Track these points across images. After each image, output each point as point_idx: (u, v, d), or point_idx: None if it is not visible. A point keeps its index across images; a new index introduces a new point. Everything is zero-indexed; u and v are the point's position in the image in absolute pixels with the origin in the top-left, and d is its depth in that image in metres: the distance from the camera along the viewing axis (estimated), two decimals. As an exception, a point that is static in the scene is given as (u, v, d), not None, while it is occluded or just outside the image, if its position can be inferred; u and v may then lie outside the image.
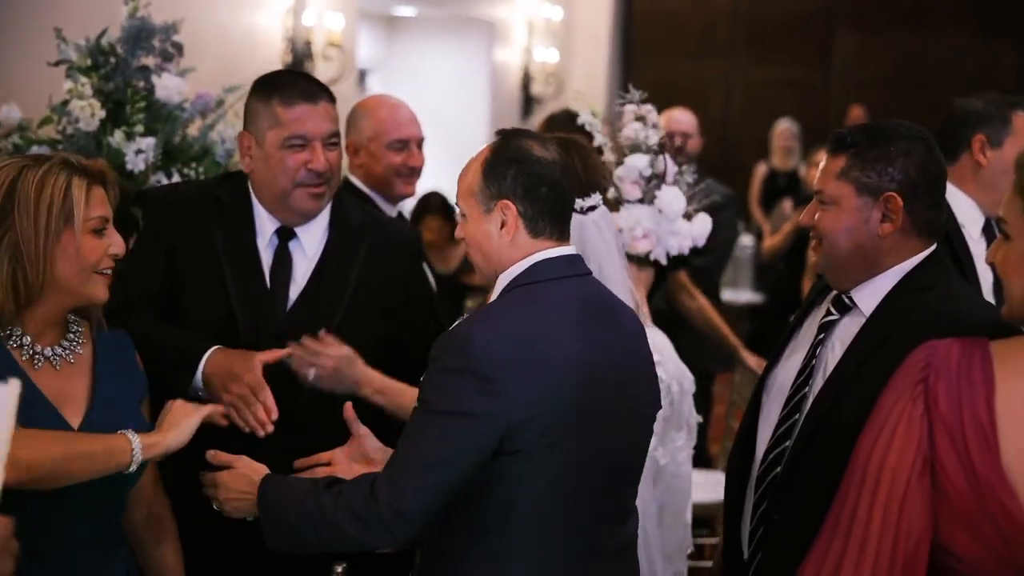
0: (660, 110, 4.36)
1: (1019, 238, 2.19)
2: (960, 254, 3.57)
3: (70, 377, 2.79)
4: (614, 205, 3.71)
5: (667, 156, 3.91)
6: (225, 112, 4.70)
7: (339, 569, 3.05)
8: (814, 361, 2.89)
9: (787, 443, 2.86)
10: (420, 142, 4.44)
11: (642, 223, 3.79)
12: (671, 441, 3.69)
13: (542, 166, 2.68)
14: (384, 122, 4.36)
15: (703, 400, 5.08)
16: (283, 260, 3.38)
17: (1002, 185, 2.73)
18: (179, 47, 4.52)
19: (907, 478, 2.11)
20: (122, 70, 4.42)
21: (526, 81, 10.71)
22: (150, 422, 2.92)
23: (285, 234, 3.38)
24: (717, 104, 12.27)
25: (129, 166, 4.29)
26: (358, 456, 2.99)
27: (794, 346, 3.04)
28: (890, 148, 2.80)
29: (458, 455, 2.53)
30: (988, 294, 3.52)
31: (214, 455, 2.84)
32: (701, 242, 4.01)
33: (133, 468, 2.66)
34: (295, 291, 3.38)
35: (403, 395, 3.28)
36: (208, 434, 2.91)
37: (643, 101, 3.98)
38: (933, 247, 2.86)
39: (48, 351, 2.77)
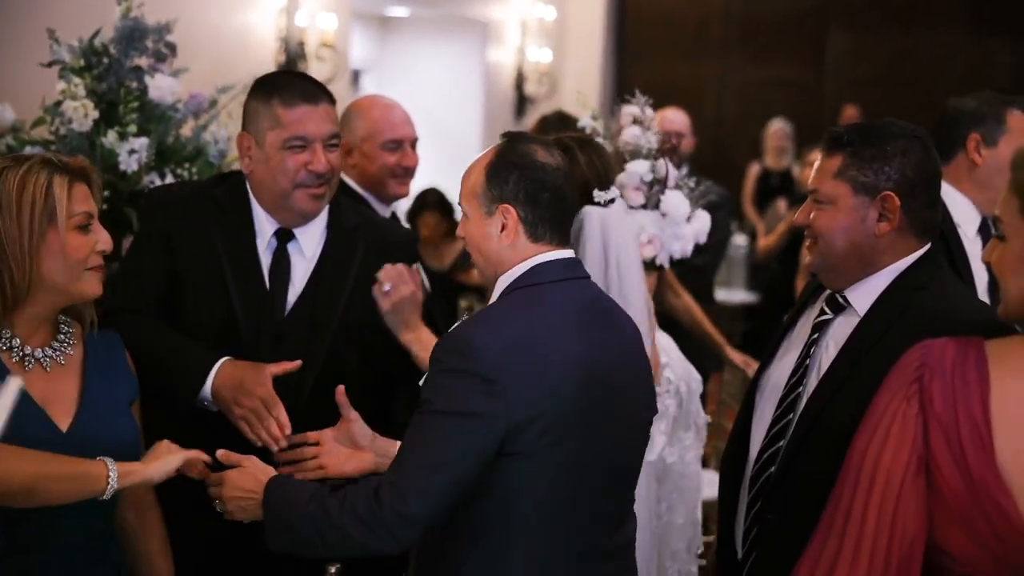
0: (654, 110, 4.37)
1: (1015, 237, 2.19)
2: (955, 254, 3.57)
3: (60, 379, 2.79)
4: None
5: (668, 160, 3.93)
6: (218, 112, 4.70)
7: (332, 570, 3.04)
8: (808, 360, 2.89)
9: (781, 443, 2.86)
10: (414, 142, 4.43)
11: (647, 228, 3.80)
12: (679, 441, 3.71)
13: (545, 172, 2.70)
14: (378, 122, 4.35)
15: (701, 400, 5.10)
16: (282, 262, 3.37)
17: (998, 184, 2.73)
18: (172, 47, 4.52)
19: (902, 478, 2.11)
20: (115, 70, 4.41)
21: (519, 81, 10.70)
22: (140, 424, 2.92)
23: (284, 236, 3.38)
24: (711, 104, 12.26)
25: (122, 166, 4.28)
26: (345, 440, 3.02)
27: (787, 345, 3.04)
28: (887, 147, 2.80)
29: (461, 456, 2.53)
30: (983, 294, 3.52)
31: (224, 455, 2.85)
32: (703, 239, 4.04)
33: (107, 496, 2.65)
34: (294, 293, 3.38)
35: None
36: (207, 435, 2.91)
37: (644, 103, 4.00)
38: (928, 246, 2.86)
39: (38, 353, 2.76)
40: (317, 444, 3.02)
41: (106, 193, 4.30)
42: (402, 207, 5.38)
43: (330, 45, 8.10)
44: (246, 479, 2.78)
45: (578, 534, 2.67)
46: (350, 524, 2.55)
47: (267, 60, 7.65)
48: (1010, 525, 2.04)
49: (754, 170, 10.55)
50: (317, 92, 3.34)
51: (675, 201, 3.89)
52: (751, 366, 5.74)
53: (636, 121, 4.00)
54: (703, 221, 4.02)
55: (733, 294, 10.08)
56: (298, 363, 3.16)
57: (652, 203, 3.86)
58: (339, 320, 3.37)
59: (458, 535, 2.64)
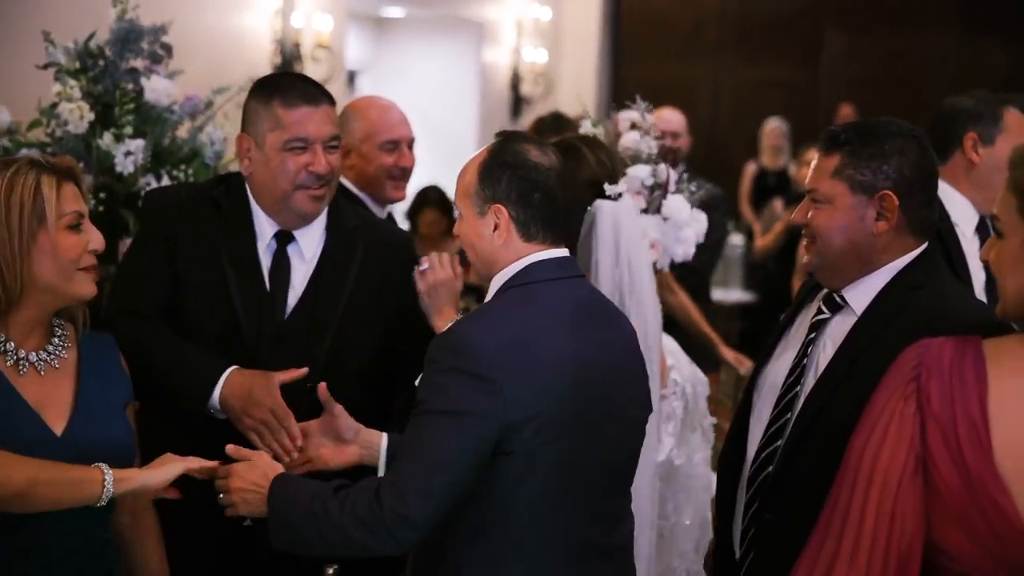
0: (649, 110, 4.37)
1: (1013, 236, 2.19)
2: (952, 253, 3.56)
3: (55, 382, 2.78)
4: None
5: (669, 166, 3.94)
6: (214, 114, 4.70)
7: (330, 571, 3.04)
8: (805, 360, 2.89)
9: (779, 442, 2.86)
10: (411, 143, 4.43)
11: (649, 233, 3.82)
12: (687, 442, 3.73)
13: (538, 172, 2.70)
14: (375, 123, 4.35)
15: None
16: (281, 263, 3.37)
17: (995, 183, 2.73)
18: (168, 49, 4.52)
19: (899, 477, 2.11)
20: (111, 72, 4.41)
21: (515, 81, 10.70)
22: (135, 427, 2.92)
23: (284, 238, 3.37)
24: (706, 104, 12.26)
25: (118, 168, 4.28)
26: (330, 433, 3.03)
27: (785, 345, 3.04)
28: (884, 146, 2.80)
29: (459, 456, 2.53)
30: (980, 293, 3.52)
31: (235, 449, 2.85)
32: (702, 238, 4.05)
33: (103, 502, 2.65)
34: (294, 294, 3.37)
35: None
36: (208, 435, 2.91)
37: (644, 109, 4.01)
38: (925, 245, 2.86)
39: (33, 356, 2.76)
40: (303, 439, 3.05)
41: (102, 195, 4.31)
42: (401, 205, 5.37)
43: (326, 46, 8.11)
44: (254, 472, 2.78)
45: (575, 533, 2.67)
46: (351, 525, 2.55)
47: (263, 61, 7.65)
48: (1008, 523, 2.04)
49: (750, 170, 10.56)
50: (317, 94, 3.34)
51: (677, 205, 3.91)
52: (743, 364, 5.77)
53: (635, 126, 4.01)
54: (701, 222, 4.03)
55: (730, 294, 10.07)
56: (305, 370, 3.14)
57: (654, 208, 3.87)
58: (339, 322, 3.37)
59: (455, 535, 2.64)
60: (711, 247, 6.20)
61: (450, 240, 6.35)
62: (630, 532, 2.88)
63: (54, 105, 4.34)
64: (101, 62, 4.42)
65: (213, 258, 3.31)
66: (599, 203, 3.36)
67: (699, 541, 3.82)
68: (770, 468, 2.86)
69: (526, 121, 9.73)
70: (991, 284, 3.41)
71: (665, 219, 3.90)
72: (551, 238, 2.74)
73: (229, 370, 3.16)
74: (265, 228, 3.37)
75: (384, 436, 3.00)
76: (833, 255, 2.84)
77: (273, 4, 7.82)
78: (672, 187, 3.94)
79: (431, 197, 6.89)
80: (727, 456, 3.10)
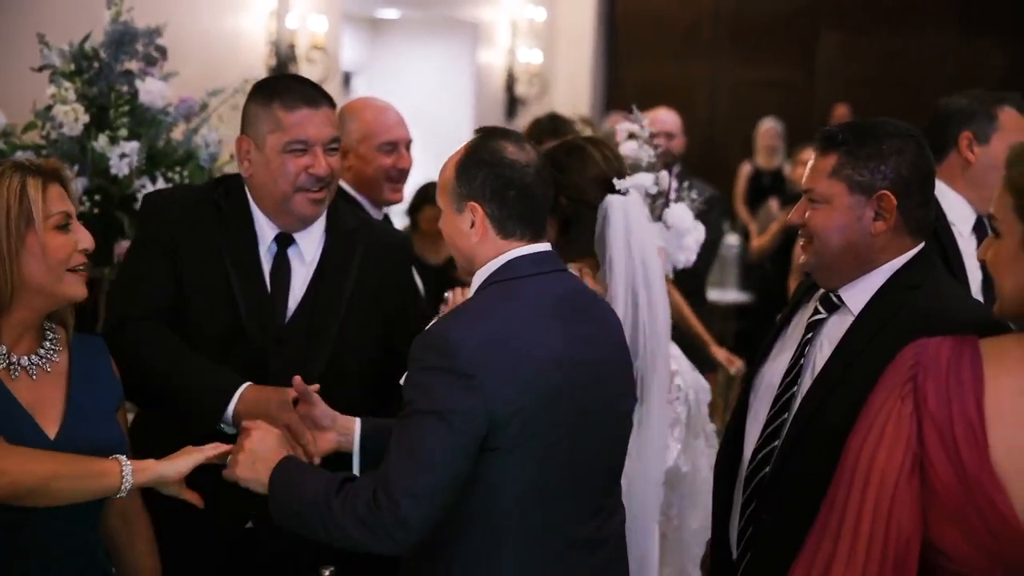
0: (645, 110, 4.38)
1: (1010, 235, 2.19)
2: (949, 252, 3.56)
3: (46, 386, 2.78)
4: None
5: (670, 172, 3.96)
6: (209, 116, 4.70)
7: (327, 573, 3.04)
8: (802, 360, 2.88)
9: (775, 443, 2.86)
10: (408, 144, 4.44)
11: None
12: (692, 448, 3.75)
13: (513, 169, 2.72)
14: (372, 124, 4.35)
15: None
16: (282, 266, 3.36)
17: (991, 181, 2.73)
18: (162, 51, 4.52)
19: (896, 477, 2.11)
20: (105, 75, 4.41)
21: (510, 82, 10.70)
22: (126, 432, 2.92)
23: (284, 240, 3.37)
24: (702, 104, 12.26)
25: (113, 171, 4.28)
26: (307, 423, 3.02)
27: (781, 345, 3.04)
28: (882, 146, 2.79)
29: (446, 455, 2.53)
30: (977, 293, 3.52)
31: (254, 425, 2.87)
32: (698, 248, 4.09)
33: (123, 493, 2.66)
34: (295, 297, 3.37)
35: None
36: (208, 439, 2.91)
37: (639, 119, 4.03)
38: (922, 245, 2.85)
39: (24, 360, 2.76)
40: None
41: (97, 197, 4.31)
42: (400, 204, 5.37)
43: (321, 47, 8.11)
44: (272, 440, 2.81)
45: (563, 526, 2.69)
46: (352, 524, 2.56)
47: (257, 63, 7.65)
48: (1004, 522, 2.05)
49: (745, 170, 10.56)
50: (317, 96, 3.34)
51: (679, 213, 3.93)
52: (734, 363, 5.79)
53: (632, 136, 4.03)
54: (699, 230, 4.07)
55: (726, 294, 10.08)
56: (316, 387, 3.13)
57: (656, 215, 3.89)
58: (339, 324, 3.37)
59: (445, 530, 2.64)
60: (707, 248, 6.22)
61: None
62: (620, 523, 2.88)
63: (49, 107, 4.34)
64: (96, 64, 4.42)
65: (215, 260, 3.30)
66: (610, 198, 3.38)
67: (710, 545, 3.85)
68: (767, 469, 2.85)
69: (521, 122, 9.73)
70: (988, 283, 3.41)
71: (668, 227, 3.91)
72: (529, 234, 2.75)
73: (244, 386, 3.15)
74: (265, 231, 3.36)
75: (357, 421, 3.02)
76: (830, 255, 2.84)
77: (268, 6, 7.82)
78: (673, 195, 3.96)
79: (431, 194, 6.86)
80: (724, 456, 3.10)
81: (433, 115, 9.62)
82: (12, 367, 2.73)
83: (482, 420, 2.54)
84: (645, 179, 3.85)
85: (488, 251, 2.74)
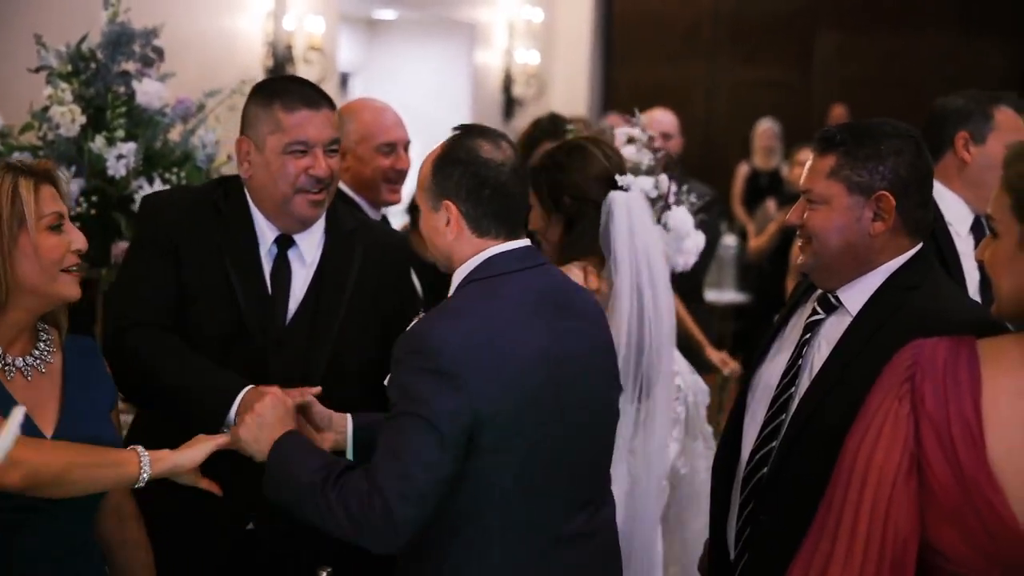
0: (642, 111, 4.38)
1: (1007, 235, 2.20)
2: (945, 253, 3.57)
3: (41, 386, 2.78)
4: None
5: (670, 176, 3.97)
6: (206, 117, 4.69)
7: (324, 575, 3.04)
8: (800, 361, 2.88)
9: (773, 443, 2.85)
10: (407, 145, 4.43)
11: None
12: (691, 450, 3.76)
13: (488, 168, 2.73)
14: (370, 125, 4.35)
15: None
16: (282, 268, 3.36)
17: (988, 181, 2.74)
18: (159, 52, 4.51)
19: (894, 477, 2.11)
20: (102, 75, 4.40)
21: (507, 83, 10.71)
22: (119, 433, 2.92)
23: (284, 242, 3.37)
24: (699, 104, 12.26)
25: (110, 172, 4.27)
26: (304, 423, 3.03)
27: (779, 346, 3.04)
28: (881, 147, 2.79)
29: (434, 456, 2.54)
30: (975, 293, 3.52)
31: (270, 390, 2.90)
32: (698, 253, 4.12)
33: (142, 483, 2.68)
34: (295, 299, 3.36)
35: None
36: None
37: (629, 112, 4.04)
38: (919, 246, 2.85)
39: (19, 361, 2.76)
40: None
41: (94, 198, 4.30)
42: (400, 204, 5.37)
43: (318, 48, 8.11)
44: (281, 410, 2.84)
45: (551, 523, 2.69)
46: (343, 519, 2.57)
47: (254, 64, 7.65)
48: (1001, 522, 2.05)
49: (743, 170, 10.57)
50: (318, 97, 3.33)
51: (680, 217, 3.94)
52: (728, 364, 5.79)
53: (632, 140, 4.04)
54: (699, 237, 4.10)
55: (723, 294, 10.08)
56: (317, 389, 3.13)
57: (656, 219, 3.89)
58: (340, 326, 3.37)
59: (432, 533, 2.65)
60: (704, 248, 6.22)
61: None
62: (610, 515, 2.89)
63: (46, 108, 4.33)
64: (93, 65, 4.41)
65: (215, 262, 3.29)
66: (613, 195, 3.39)
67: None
68: (765, 469, 2.85)
69: (518, 123, 9.74)
70: (986, 284, 3.41)
71: (668, 230, 3.92)
72: (505, 232, 2.75)
73: (246, 389, 3.14)
74: (265, 232, 3.36)
75: (349, 417, 3.03)
76: (829, 256, 2.84)
77: (265, 6, 7.82)
78: (673, 198, 3.97)
79: None
80: (721, 457, 3.09)
81: (430, 116, 9.59)
82: (7, 368, 2.73)
83: (467, 419, 2.55)
84: (645, 183, 3.86)
85: (465, 249, 2.75)
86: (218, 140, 4.59)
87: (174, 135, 4.62)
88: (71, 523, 2.75)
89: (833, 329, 2.85)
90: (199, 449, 2.77)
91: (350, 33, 10.00)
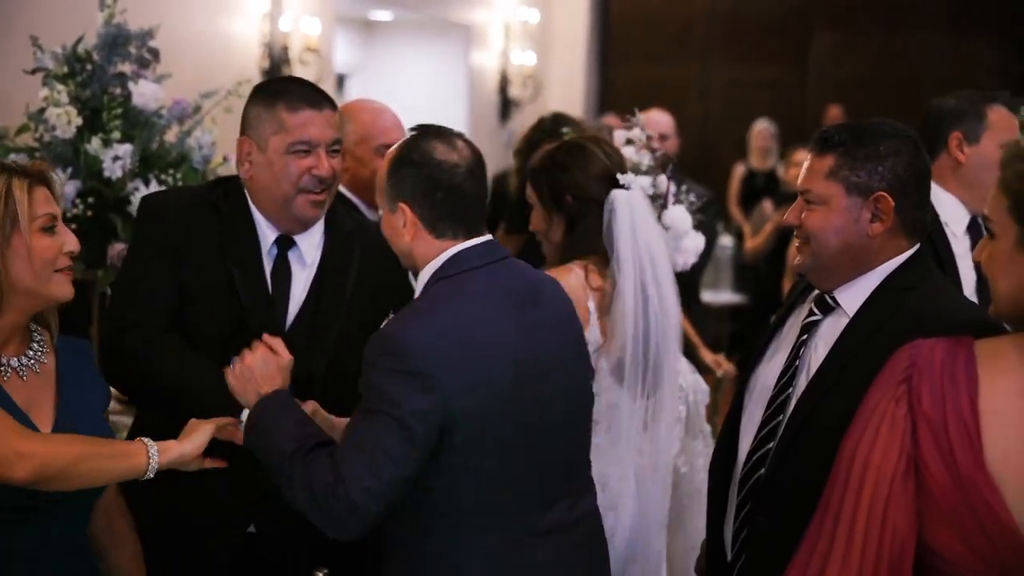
0: (638, 111, 4.39)
1: (1004, 236, 2.19)
2: (942, 253, 3.57)
3: (36, 387, 2.78)
4: None
5: (668, 176, 3.98)
6: (202, 118, 4.69)
7: (319, 575, 3.04)
8: (797, 362, 2.88)
9: (770, 444, 2.85)
10: (406, 146, 4.43)
11: None
12: (690, 449, 3.77)
13: (441, 170, 2.73)
14: (369, 127, 4.35)
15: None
16: (282, 269, 3.36)
17: (983, 180, 2.74)
18: (155, 53, 4.51)
19: (891, 478, 2.11)
20: (98, 77, 4.40)
21: (504, 84, 10.71)
22: (114, 435, 2.92)
23: (284, 243, 3.36)
24: (695, 105, 12.27)
25: (107, 173, 4.27)
26: None
27: (776, 346, 3.03)
28: (879, 147, 2.79)
29: (401, 454, 2.54)
30: (971, 294, 3.52)
31: (274, 342, 2.90)
32: (696, 253, 4.13)
33: (150, 474, 2.68)
34: (296, 299, 3.36)
35: None
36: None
37: (627, 113, 4.04)
38: (917, 247, 2.85)
39: (14, 362, 2.76)
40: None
41: (90, 200, 4.30)
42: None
43: (314, 50, 8.11)
44: (273, 366, 2.85)
45: (528, 518, 2.71)
46: (305, 498, 2.58)
47: (251, 65, 7.65)
48: (999, 523, 2.05)
49: (739, 171, 10.58)
50: (320, 98, 3.33)
51: (678, 216, 3.94)
52: (722, 366, 5.79)
53: (630, 142, 4.05)
54: (699, 239, 4.12)
55: (720, 295, 10.09)
56: (311, 405, 3.12)
57: (654, 218, 3.91)
58: (341, 324, 3.36)
59: (413, 525, 2.67)
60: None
61: None
62: (592, 504, 2.90)
63: (42, 110, 4.33)
64: (89, 67, 4.41)
65: (215, 262, 3.29)
66: (615, 193, 3.40)
67: None
68: (762, 470, 2.85)
69: (515, 124, 9.73)
70: (983, 284, 3.41)
71: (667, 229, 3.93)
72: (464, 232, 2.75)
73: None
74: (266, 233, 3.36)
75: (348, 422, 3.03)
76: (828, 256, 2.83)
77: (261, 8, 7.82)
78: (672, 198, 3.98)
79: None
80: (719, 458, 3.09)
81: (426, 117, 9.58)
82: (3, 369, 2.73)
83: (439, 419, 2.55)
84: (643, 182, 3.86)
85: (425, 249, 2.75)
86: (214, 141, 4.59)
87: (170, 136, 4.62)
88: (70, 522, 2.76)
89: (830, 330, 2.84)
90: (201, 433, 2.78)
91: (346, 34, 9.99)
